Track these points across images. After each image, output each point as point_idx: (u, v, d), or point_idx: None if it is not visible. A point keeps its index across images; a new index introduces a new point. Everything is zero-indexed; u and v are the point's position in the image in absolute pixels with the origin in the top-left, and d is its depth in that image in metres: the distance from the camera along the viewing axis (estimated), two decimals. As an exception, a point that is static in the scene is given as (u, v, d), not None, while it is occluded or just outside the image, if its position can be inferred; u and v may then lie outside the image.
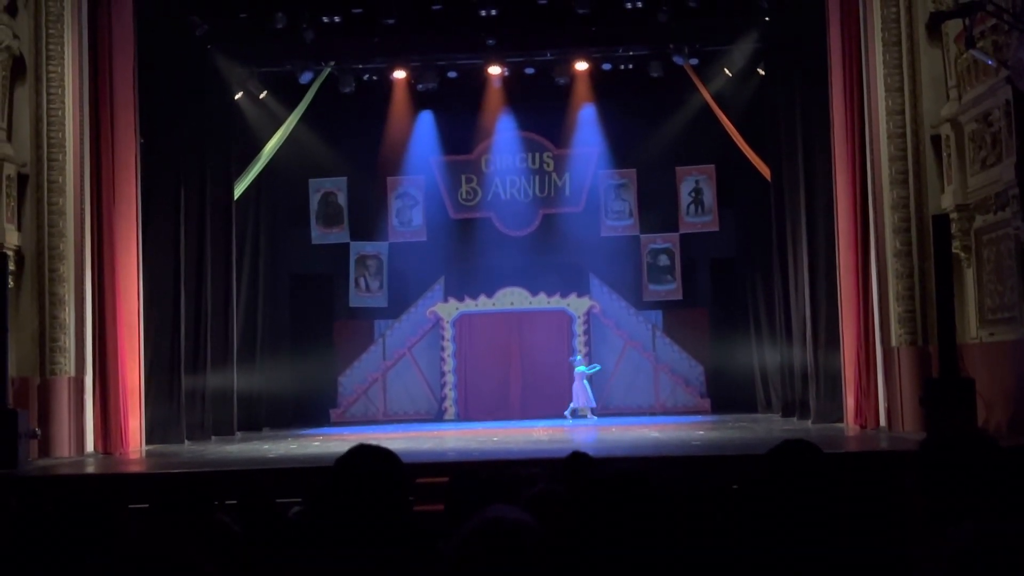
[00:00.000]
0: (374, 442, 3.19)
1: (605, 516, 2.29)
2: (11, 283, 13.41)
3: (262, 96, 19.50)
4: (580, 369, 19.70)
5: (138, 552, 4.51)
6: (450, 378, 21.11)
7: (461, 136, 21.25)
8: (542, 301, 21.13)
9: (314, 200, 21.26)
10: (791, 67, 17.02)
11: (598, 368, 19.91)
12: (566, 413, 19.41)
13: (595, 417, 19.44)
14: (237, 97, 19.05)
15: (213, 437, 17.04)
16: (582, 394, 19.53)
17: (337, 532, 3.28)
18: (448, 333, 21.22)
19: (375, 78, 19.93)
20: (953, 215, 12.99)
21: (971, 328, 12.99)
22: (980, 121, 12.58)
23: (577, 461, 5.31)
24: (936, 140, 13.61)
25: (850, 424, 14.65)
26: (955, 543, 2.08)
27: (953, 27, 12.83)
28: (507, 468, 7.32)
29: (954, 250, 12.91)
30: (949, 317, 12.35)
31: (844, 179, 14.85)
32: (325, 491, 3.12)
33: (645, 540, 2.20)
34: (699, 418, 18.99)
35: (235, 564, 4.93)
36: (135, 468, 13.00)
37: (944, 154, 13.43)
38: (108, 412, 14.50)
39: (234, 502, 6.39)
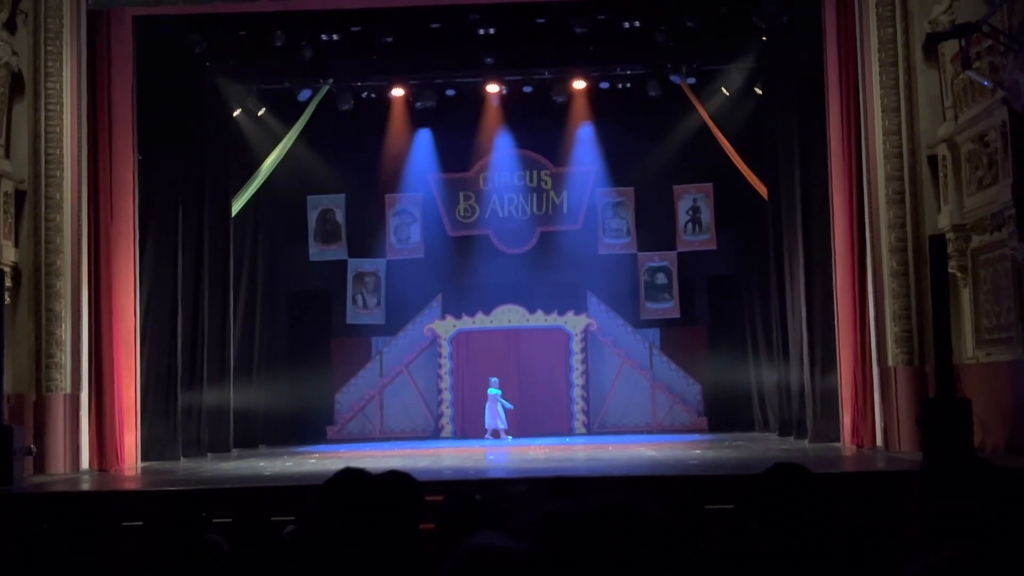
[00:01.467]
0: (370, 460, 3.19)
1: (588, 549, 2.29)
2: (7, 299, 13.40)
3: (260, 113, 19.54)
4: (494, 392, 19.84)
5: (130, 569, 4.49)
6: (447, 395, 21.10)
7: (459, 154, 21.28)
8: (539, 319, 21.13)
9: (312, 217, 21.28)
10: (788, 87, 17.07)
11: (509, 407, 20.03)
12: (487, 435, 19.64)
13: (510, 437, 19.59)
14: (235, 114, 19.10)
15: (209, 454, 17.00)
16: (496, 416, 19.67)
17: (329, 552, 3.27)
18: (445, 350, 21.21)
19: (373, 96, 19.98)
20: (949, 235, 12.99)
21: (968, 348, 12.99)
22: (976, 141, 12.60)
23: (563, 488, 5.29)
24: (933, 160, 13.63)
25: (847, 444, 14.63)
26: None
27: (950, 48, 12.86)
28: (500, 487, 7.31)
29: (951, 270, 12.91)
30: (946, 337, 12.33)
31: (841, 198, 14.87)
32: (316, 511, 3.12)
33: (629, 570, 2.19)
34: (696, 437, 18.97)
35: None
36: (130, 485, 12.96)
37: (941, 174, 13.44)
38: (104, 429, 14.47)
39: (227, 520, 6.38)
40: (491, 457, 15.25)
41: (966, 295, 13.09)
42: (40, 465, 13.56)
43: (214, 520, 6.42)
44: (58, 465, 13.76)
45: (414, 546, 2.66)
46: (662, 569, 2.38)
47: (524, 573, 2.01)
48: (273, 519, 6.29)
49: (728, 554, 3.31)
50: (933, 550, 2.10)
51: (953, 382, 12.29)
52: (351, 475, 2.85)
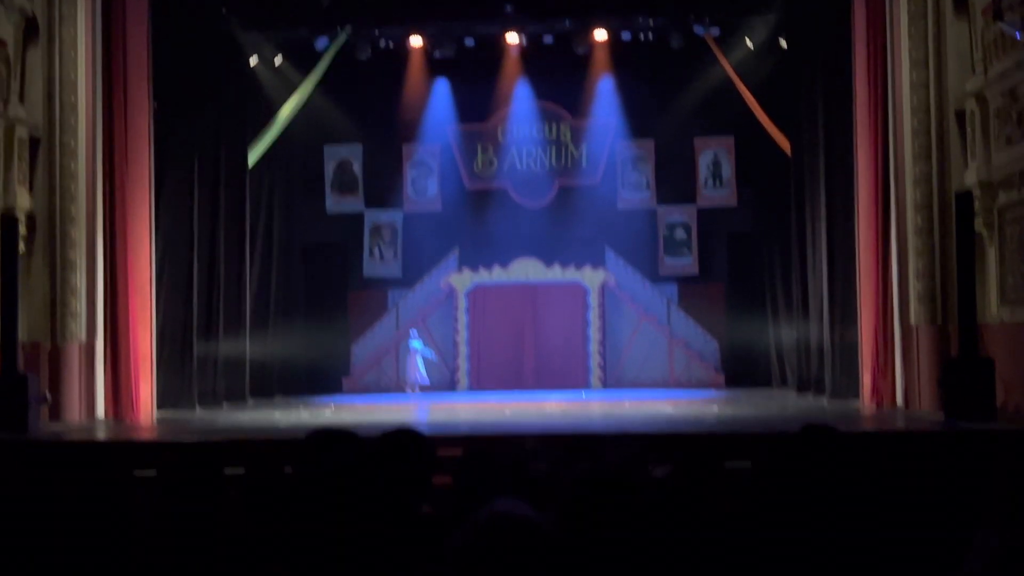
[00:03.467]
0: (384, 413, 3.07)
1: (605, 514, 2.18)
2: (22, 247, 13.35)
3: (277, 62, 19.32)
4: (416, 345, 19.78)
5: (143, 518, 4.43)
6: (463, 349, 21.04)
7: (477, 105, 21.05)
8: (557, 273, 21.01)
9: (329, 167, 21.14)
10: (813, 39, 16.75)
11: (431, 355, 20.01)
12: (408, 390, 19.65)
13: (421, 392, 19.59)
14: (252, 63, 18.88)
15: (225, 404, 17.00)
16: (415, 370, 19.61)
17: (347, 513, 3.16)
18: (462, 304, 21.13)
19: (391, 45, 19.73)
20: (976, 192, 12.75)
21: (992, 307, 12.80)
22: (1006, 96, 12.33)
23: (581, 446, 5.17)
24: (960, 115, 13.36)
25: (866, 402, 14.50)
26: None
27: (980, 0, 12.57)
28: (517, 443, 7.21)
29: (976, 228, 12.70)
30: (970, 296, 12.15)
31: (865, 154, 14.63)
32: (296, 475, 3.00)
33: (650, 535, 2.08)
34: (713, 393, 18.87)
35: (238, 535, 4.86)
36: (144, 435, 12.96)
37: (968, 130, 13.18)
38: (119, 378, 14.46)
39: (240, 471, 6.32)
40: (508, 412, 15.19)
41: (991, 253, 12.88)
42: (56, 413, 13.57)
43: (228, 471, 6.35)
44: (73, 413, 13.77)
45: (418, 512, 2.55)
46: (685, 539, 2.26)
47: (544, 542, 1.89)
48: (287, 471, 6.22)
49: (750, 517, 3.20)
50: (998, 528, 1.97)
51: (976, 342, 12.14)
52: (330, 437, 2.73)
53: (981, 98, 12.83)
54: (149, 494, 5.59)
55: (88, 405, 14.03)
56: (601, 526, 2.21)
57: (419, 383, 19.65)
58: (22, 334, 12.99)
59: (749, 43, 18.94)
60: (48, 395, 13.23)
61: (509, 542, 1.86)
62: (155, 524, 4.99)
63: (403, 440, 2.80)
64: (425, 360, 19.80)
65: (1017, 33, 11.66)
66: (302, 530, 3.61)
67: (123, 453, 10.48)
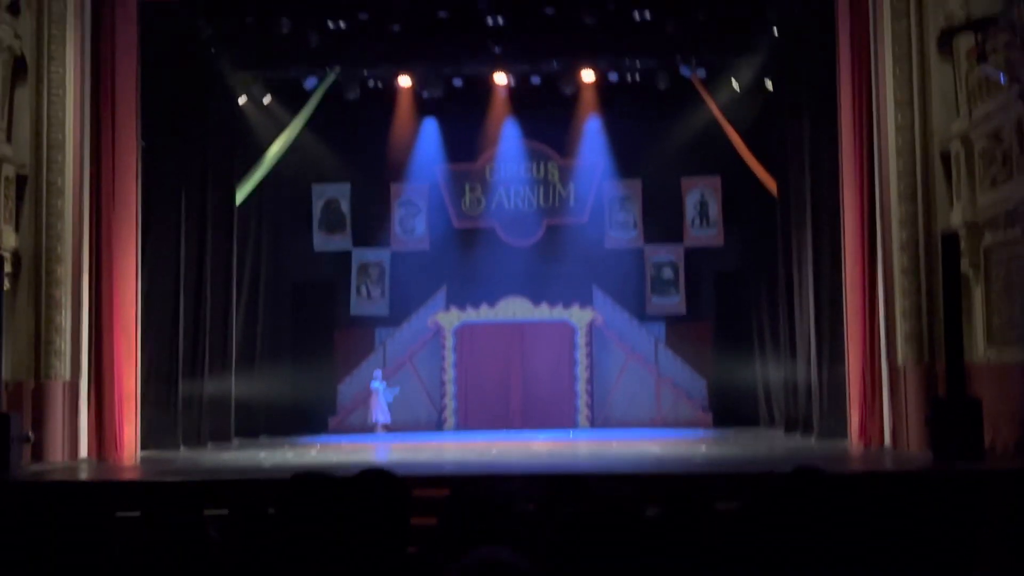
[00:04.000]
0: (371, 452, 3.03)
1: (593, 556, 2.14)
2: (7, 285, 13.28)
3: (266, 101, 19.36)
4: (376, 386, 19.88)
5: (124, 560, 4.36)
6: (450, 388, 20.96)
7: (466, 144, 21.10)
8: (544, 312, 20.99)
9: (317, 206, 21.14)
10: (799, 80, 16.87)
11: (396, 391, 20.12)
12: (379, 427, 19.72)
13: (385, 432, 19.62)
14: (241, 102, 18.92)
15: (210, 443, 16.86)
16: (379, 409, 19.75)
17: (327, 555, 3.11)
18: (449, 342, 21.07)
19: (380, 84, 19.79)
20: (962, 232, 12.82)
21: (979, 347, 12.82)
22: (990, 138, 12.42)
23: (565, 488, 5.11)
24: (945, 156, 13.46)
25: (854, 442, 14.47)
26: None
27: (965, 42, 12.69)
28: (503, 483, 7.14)
29: (963, 268, 12.75)
30: (956, 335, 12.18)
31: (851, 194, 14.70)
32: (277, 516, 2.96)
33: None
34: (701, 432, 18.81)
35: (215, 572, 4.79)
36: (127, 475, 12.84)
37: (953, 170, 13.27)
38: (103, 417, 14.35)
39: (223, 512, 6.24)
40: (495, 451, 15.12)
41: (978, 293, 12.91)
42: (38, 453, 13.44)
43: (211, 512, 6.28)
44: (56, 453, 13.64)
45: (399, 551, 2.51)
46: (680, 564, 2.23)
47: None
48: (270, 512, 6.16)
49: (741, 559, 3.16)
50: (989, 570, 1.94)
51: (963, 381, 12.15)
52: (308, 480, 2.68)
53: (966, 139, 12.93)
54: (132, 535, 5.52)
55: (71, 445, 13.91)
56: (589, 567, 2.18)
57: (382, 422, 19.60)
58: (5, 372, 12.92)
59: (735, 84, 19.08)
60: (31, 434, 13.12)
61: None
62: (137, 565, 4.92)
63: (373, 481, 2.76)
64: (387, 399, 19.80)
65: (1001, 76, 11.76)
66: (284, 572, 3.56)
67: (105, 493, 10.38)
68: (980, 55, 11.68)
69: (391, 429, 19.75)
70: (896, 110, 13.68)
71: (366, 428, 20.22)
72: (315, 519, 2.49)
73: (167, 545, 5.02)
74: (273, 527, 5.80)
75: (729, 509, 5.62)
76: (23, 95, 13.98)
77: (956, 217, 13.08)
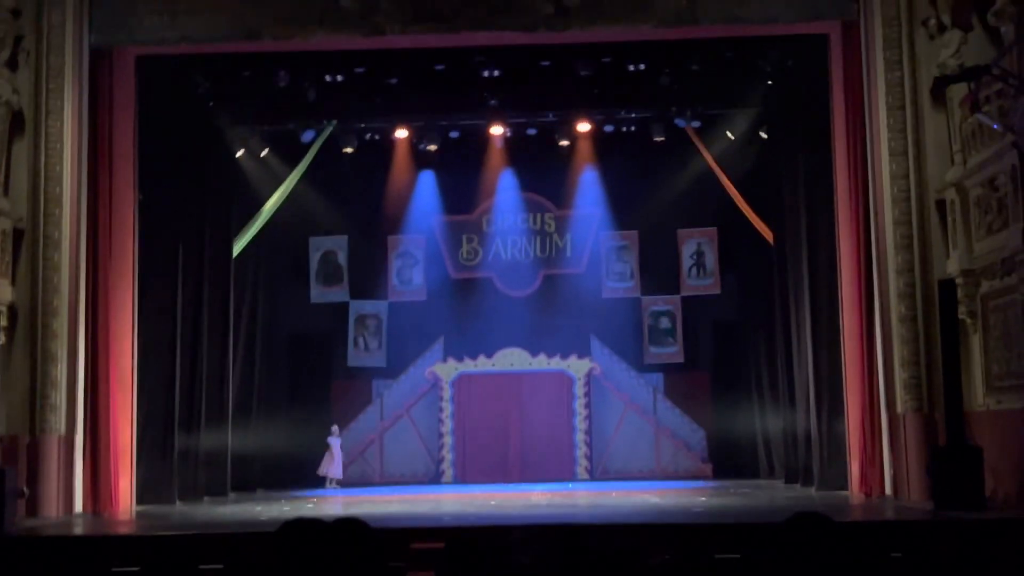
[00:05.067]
0: (368, 505, 2.99)
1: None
2: (3, 339, 13.26)
3: (263, 154, 19.46)
4: (333, 441, 19.84)
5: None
6: (448, 440, 20.84)
7: (462, 196, 21.19)
8: (542, 362, 20.93)
9: (314, 259, 21.15)
10: (794, 130, 16.99)
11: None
12: (333, 482, 19.65)
13: (337, 487, 19.56)
14: (238, 155, 19.01)
15: (206, 497, 16.74)
16: (337, 463, 19.70)
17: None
18: (447, 394, 20.99)
19: (377, 137, 19.91)
20: (959, 280, 12.82)
21: (978, 395, 12.77)
22: (986, 186, 12.47)
23: (565, 535, 5.07)
24: (941, 205, 13.50)
25: (855, 492, 14.38)
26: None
27: (958, 91, 12.76)
28: (501, 535, 7.08)
29: (960, 316, 12.74)
30: (956, 384, 12.15)
31: (848, 243, 14.72)
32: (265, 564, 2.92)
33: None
34: (701, 483, 18.70)
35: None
36: (123, 530, 12.72)
37: (949, 219, 13.30)
38: (98, 472, 14.25)
39: (220, 567, 6.19)
40: (493, 503, 15.00)
41: (976, 341, 12.89)
42: (33, 508, 13.31)
43: (208, 566, 6.22)
44: (51, 508, 13.51)
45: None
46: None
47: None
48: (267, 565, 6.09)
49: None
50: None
51: (963, 430, 12.11)
52: (302, 527, 2.64)
53: (961, 188, 12.98)
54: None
55: (66, 499, 13.77)
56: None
57: (338, 477, 19.60)
58: (0, 426, 12.82)
59: (730, 135, 19.19)
60: (25, 489, 13.00)
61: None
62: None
63: (346, 531, 2.72)
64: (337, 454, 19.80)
65: (995, 124, 11.83)
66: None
67: (101, 548, 10.28)
68: (973, 104, 11.74)
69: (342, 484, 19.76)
70: (891, 159, 13.75)
71: (366, 480, 20.12)
72: (303, 568, 2.46)
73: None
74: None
75: (729, 559, 5.56)
76: (21, 149, 14.02)
77: (952, 265, 13.09)
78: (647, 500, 15.01)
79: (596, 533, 9.66)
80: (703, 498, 15.21)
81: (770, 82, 17.61)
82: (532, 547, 5.01)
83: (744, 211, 18.62)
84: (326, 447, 19.76)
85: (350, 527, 2.57)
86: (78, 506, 13.98)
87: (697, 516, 12.35)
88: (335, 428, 20.01)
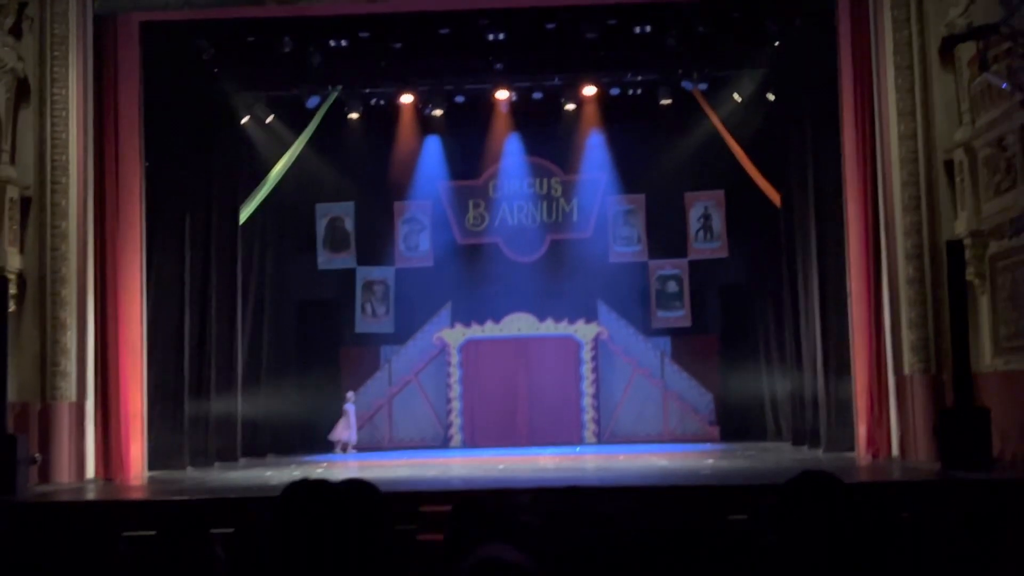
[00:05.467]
0: (378, 470, 2.99)
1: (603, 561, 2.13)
2: (12, 306, 13.29)
3: (268, 120, 19.40)
4: (349, 407, 19.91)
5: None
6: (456, 404, 20.91)
7: (468, 161, 21.13)
8: (550, 327, 20.95)
9: (321, 225, 21.14)
10: (801, 92, 16.89)
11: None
12: (349, 447, 19.71)
13: (354, 451, 19.63)
14: (243, 121, 18.96)
15: (216, 463, 16.84)
16: (351, 429, 19.77)
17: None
18: (454, 359, 21.04)
19: (382, 102, 19.85)
20: (967, 241, 12.79)
21: (986, 356, 12.77)
22: (994, 146, 12.40)
23: (573, 497, 5.09)
24: (949, 165, 13.44)
25: (862, 453, 14.41)
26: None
27: (966, 50, 12.69)
28: (509, 498, 7.13)
29: (968, 277, 12.71)
30: (963, 345, 12.14)
31: (855, 205, 14.68)
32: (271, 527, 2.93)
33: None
34: (708, 446, 18.76)
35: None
36: (134, 495, 12.82)
37: (957, 179, 13.25)
38: (109, 438, 14.34)
39: (230, 530, 6.23)
40: (501, 467, 15.08)
41: (984, 302, 12.87)
42: (45, 474, 13.42)
43: (219, 530, 6.27)
44: (63, 474, 13.62)
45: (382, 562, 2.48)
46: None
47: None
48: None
49: (746, 569, 3.12)
50: None
51: (971, 391, 12.11)
52: (309, 488, 2.65)
53: (969, 148, 12.92)
54: (138, 554, 5.50)
55: (78, 465, 13.88)
56: (588, 570, 2.16)
57: (353, 442, 19.67)
58: (11, 394, 12.90)
59: (737, 97, 19.09)
60: (37, 456, 13.09)
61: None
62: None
63: (354, 493, 2.72)
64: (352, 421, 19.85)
65: (1004, 84, 11.75)
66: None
67: (112, 513, 10.36)
68: (982, 63, 11.67)
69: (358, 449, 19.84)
70: (899, 120, 13.68)
71: (375, 445, 20.22)
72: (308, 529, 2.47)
73: (174, 564, 5.01)
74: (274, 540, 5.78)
75: (738, 520, 5.59)
76: (27, 117, 14.02)
77: (960, 226, 13.05)
78: (655, 463, 15.06)
79: (604, 496, 9.72)
80: (710, 460, 15.26)
81: (777, 43, 17.48)
82: (540, 509, 5.03)
83: (751, 174, 18.54)
84: (341, 413, 19.84)
85: (358, 488, 2.58)
86: (90, 472, 14.09)
87: (705, 479, 12.39)
88: (350, 394, 20.10)
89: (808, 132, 16.55)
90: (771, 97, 18.65)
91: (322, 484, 2.59)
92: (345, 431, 19.73)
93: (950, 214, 13.44)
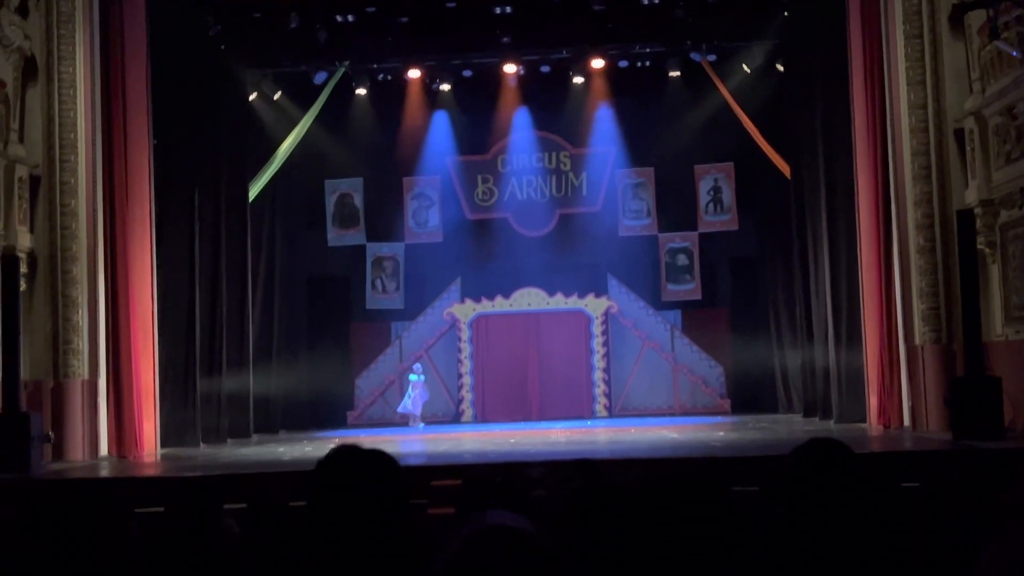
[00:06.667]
0: (390, 445, 3.01)
1: (615, 530, 2.13)
2: (24, 285, 13.32)
3: (276, 97, 19.37)
4: (413, 378, 19.62)
5: (145, 554, 4.37)
6: (467, 380, 20.95)
7: (477, 136, 21.08)
8: (560, 302, 20.95)
9: (330, 201, 21.14)
10: (811, 62, 16.79)
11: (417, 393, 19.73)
12: (420, 422, 19.41)
13: (422, 424, 19.42)
14: (251, 98, 18.93)
15: (229, 440, 16.91)
16: (417, 402, 19.48)
17: (332, 537, 3.10)
18: (465, 334, 21.06)
19: (390, 78, 19.80)
20: (977, 210, 12.73)
21: (996, 326, 12.74)
22: (1004, 114, 12.32)
23: (584, 470, 5.10)
24: (959, 134, 13.37)
25: (873, 424, 14.42)
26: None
27: (976, 18, 12.59)
28: (520, 471, 7.14)
29: (979, 246, 12.66)
30: (974, 314, 12.10)
31: (865, 175, 14.62)
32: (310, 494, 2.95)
33: (647, 550, 2.03)
34: (719, 419, 18.77)
35: (236, 569, 4.81)
36: (147, 472, 12.89)
37: (968, 148, 13.18)
38: (122, 415, 14.40)
39: (243, 506, 6.27)
40: (512, 441, 15.11)
41: (995, 271, 12.83)
42: (59, 452, 13.50)
43: (231, 506, 6.31)
44: (76, 452, 13.69)
45: (408, 528, 2.50)
46: (686, 553, 2.22)
47: (539, 557, 1.84)
48: (291, 504, 6.20)
49: (755, 539, 3.13)
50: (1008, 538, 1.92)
51: (982, 360, 12.08)
52: (347, 454, 2.66)
53: (979, 117, 12.84)
54: (151, 530, 5.54)
55: (91, 443, 13.96)
56: (596, 538, 2.17)
57: (417, 414, 19.52)
58: (24, 372, 12.95)
59: (746, 68, 18.98)
60: (51, 434, 13.16)
61: (501, 553, 1.82)
62: (158, 559, 4.93)
63: (370, 461, 2.73)
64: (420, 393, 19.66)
65: (1014, 52, 11.66)
66: (303, 562, 3.55)
67: (125, 490, 10.41)
68: (992, 31, 11.57)
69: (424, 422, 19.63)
70: (909, 89, 13.60)
71: (387, 421, 20.26)
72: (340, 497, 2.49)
73: (188, 539, 5.04)
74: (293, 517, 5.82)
75: (748, 492, 5.60)
76: (34, 96, 14.02)
77: (971, 195, 12.99)
78: (665, 436, 15.08)
79: (614, 468, 9.74)
80: (721, 433, 15.28)
81: (786, 13, 17.37)
82: (551, 482, 5.05)
83: (761, 145, 18.47)
84: (409, 386, 19.68)
85: (383, 461, 2.60)
86: (103, 449, 14.17)
87: (715, 450, 12.41)
88: (417, 366, 19.98)
89: (818, 103, 16.47)
90: (780, 68, 18.55)
91: (360, 451, 2.62)
92: (413, 404, 19.50)
93: (961, 183, 13.38)
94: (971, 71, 13.17)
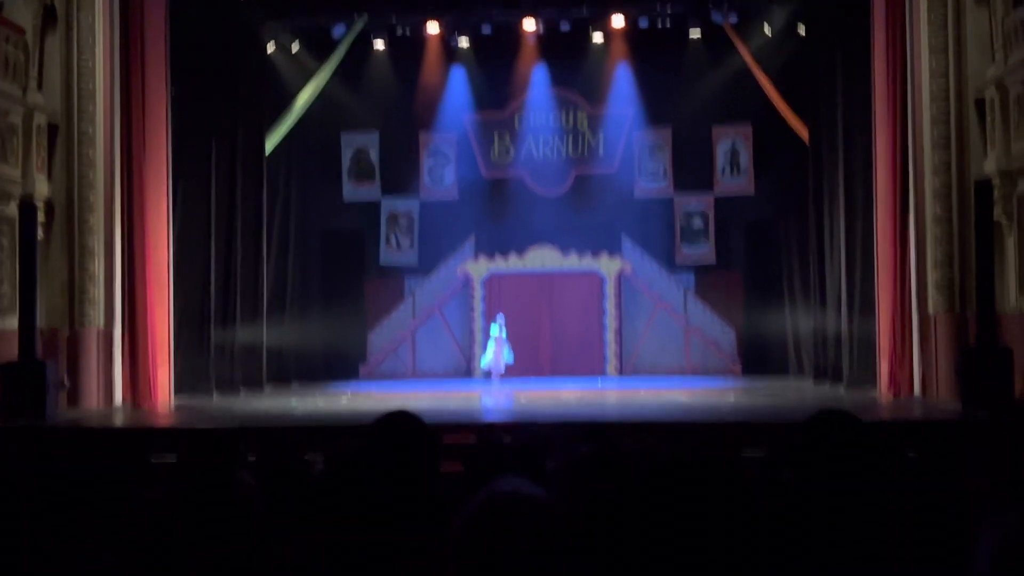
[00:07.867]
0: (401, 399, 3.06)
1: (624, 499, 2.17)
2: (41, 234, 13.41)
3: (294, 50, 19.32)
4: (494, 332, 19.08)
5: (158, 504, 4.45)
6: (479, 337, 21.01)
7: (494, 93, 20.98)
8: (573, 261, 20.95)
9: (346, 156, 21.12)
10: (832, 26, 16.64)
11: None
12: (494, 379, 18.81)
13: (500, 378, 18.82)
14: (269, 50, 18.89)
15: (242, 390, 17.05)
16: (498, 357, 18.88)
17: (359, 497, 3.16)
18: (478, 292, 21.10)
19: (408, 32, 19.68)
20: (995, 181, 12.67)
21: (1010, 297, 12.71)
22: (1026, 84, 12.23)
23: (591, 437, 5.16)
24: (980, 103, 13.27)
25: (883, 391, 14.44)
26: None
27: (1001, -15, 12.45)
28: (530, 431, 7.20)
29: (995, 217, 12.61)
30: (988, 285, 12.08)
31: (884, 142, 14.54)
32: (354, 454, 3.01)
33: (655, 516, 2.07)
34: (730, 381, 18.81)
35: (253, 521, 4.87)
36: (162, 421, 13.02)
37: (988, 117, 13.09)
38: (137, 364, 14.53)
39: (255, 459, 6.34)
40: (524, 400, 15.20)
41: (1011, 242, 12.78)
42: (74, 399, 13.65)
43: (243, 458, 6.37)
44: (91, 400, 13.84)
45: (433, 490, 2.56)
46: (695, 520, 2.25)
47: (551, 523, 1.88)
48: (304, 458, 6.26)
49: (763, 506, 3.17)
50: (1007, 512, 1.95)
51: (994, 331, 12.07)
52: (403, 418, 2.74)
53: (1001, 85, 12.74)
54: (165, 480, 5.62)
55: (106, 391, 14.10)
56: (607, 503, 2.21)
57: (495, 370, 18.98)
58: (40, 320, 13.07)
59: (767, 30, 18.83)
60: (66, 381, 13.30)
61: (512, 518, 1.86)
62: (171, 509, 5.01)
63: (400, 424, 2.80)
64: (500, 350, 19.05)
65: (1038, 20, 11.55)
66: (315, 519, 3.61)
67: (140, 439, 10.53)
68: (1017, -1, 11.47)
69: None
70: (930, 56, 13.49)
71: (398, 375, 20.38)
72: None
73: (204, 490, 5.12)
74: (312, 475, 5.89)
75: (755, 456, 5.65)
76: (53, 44, 14.02)
77: (990, 165, 12.92)
78: (676, 399, 15.15)
79: (624, 432, 9.80)
80: (731, 396, 15.33)
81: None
82: (562, 443, 5.10)
83: (780, 108, 18.35)
84: (490, 340, 19.15)
85: (427, 432, 2.69)
86: (117, 398, 14.31)
87: (724, 415, 12.46)
88: (500, 316, 19.34)
89: (838, 67, 16.34)
90: (802, 31, 18.39)
91: (414, 419, 2.71)
92: (495, 360, 18.91)
93: (980, 152, 13.30)
94: (994, 39, 13.05)
